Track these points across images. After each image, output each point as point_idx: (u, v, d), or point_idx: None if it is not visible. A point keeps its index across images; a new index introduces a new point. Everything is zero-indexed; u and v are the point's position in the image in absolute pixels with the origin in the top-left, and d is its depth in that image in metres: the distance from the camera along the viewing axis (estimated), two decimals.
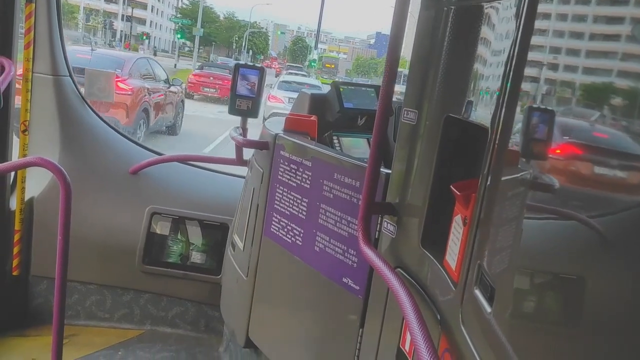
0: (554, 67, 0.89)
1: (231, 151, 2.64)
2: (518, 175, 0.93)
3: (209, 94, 18.89)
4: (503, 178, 0.97)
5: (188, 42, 69.63)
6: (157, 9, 76.98)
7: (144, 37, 51.35)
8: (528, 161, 0.92)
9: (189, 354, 2.75)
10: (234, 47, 75.33)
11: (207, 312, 2.90)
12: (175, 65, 34.68)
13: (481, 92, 1.16)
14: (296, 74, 26.27)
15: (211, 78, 19.24)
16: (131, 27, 53.68)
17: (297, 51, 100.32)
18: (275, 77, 25.97)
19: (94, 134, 2.91)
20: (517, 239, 0.89)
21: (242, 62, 2.50)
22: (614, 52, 0.73)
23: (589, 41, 0.80)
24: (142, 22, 72.81)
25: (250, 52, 73.98)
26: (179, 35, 34.88)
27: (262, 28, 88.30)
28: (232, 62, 39.63)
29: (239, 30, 75.68)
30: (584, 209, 0.76)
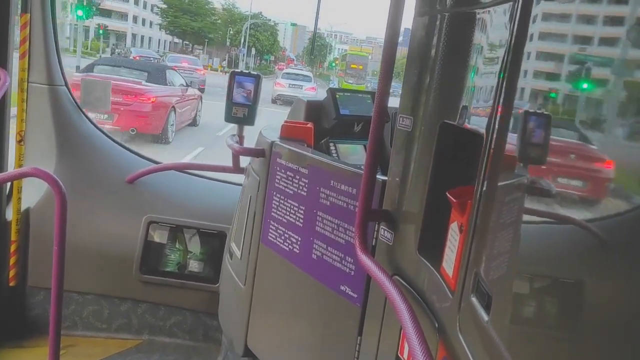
0: (547, 72, 0.89)
1: None
2: (514, 181, 0.93)
3: (103, 122, 9.83)
4: (499, 184, 0.96)
5: (183, 40, 58.94)
6: (141, 1, 60.68)
7: (101, 31, 40.39)
8: (524, 167, 0.91)
9: None
10: (228, 43, 60.80)
11: (205, 321, 2.88)
12: (78, 67, 17.21)
13: (472, 88, 1.16)
14: (294, 68, 37.57)
15: None
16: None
17: (315, 50, 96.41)
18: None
19: (90, 143, 2.90)
20: (513, 246, 0.88)
21: (237, 70, 2.49)
22: (607, 57, 0.73)
23: (580, 45, 0.80)
24: (123, 17, 58.54)
25: (254, 50, 60.44)
26: (81, 12, 19.96)
27: (269, 20, 68.87)
28: (154, 55, 31.50)
29: (240, 23, 60.45)
30: (581, 214, 0.75)
